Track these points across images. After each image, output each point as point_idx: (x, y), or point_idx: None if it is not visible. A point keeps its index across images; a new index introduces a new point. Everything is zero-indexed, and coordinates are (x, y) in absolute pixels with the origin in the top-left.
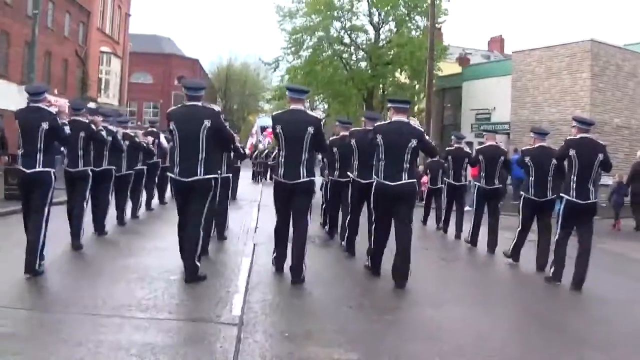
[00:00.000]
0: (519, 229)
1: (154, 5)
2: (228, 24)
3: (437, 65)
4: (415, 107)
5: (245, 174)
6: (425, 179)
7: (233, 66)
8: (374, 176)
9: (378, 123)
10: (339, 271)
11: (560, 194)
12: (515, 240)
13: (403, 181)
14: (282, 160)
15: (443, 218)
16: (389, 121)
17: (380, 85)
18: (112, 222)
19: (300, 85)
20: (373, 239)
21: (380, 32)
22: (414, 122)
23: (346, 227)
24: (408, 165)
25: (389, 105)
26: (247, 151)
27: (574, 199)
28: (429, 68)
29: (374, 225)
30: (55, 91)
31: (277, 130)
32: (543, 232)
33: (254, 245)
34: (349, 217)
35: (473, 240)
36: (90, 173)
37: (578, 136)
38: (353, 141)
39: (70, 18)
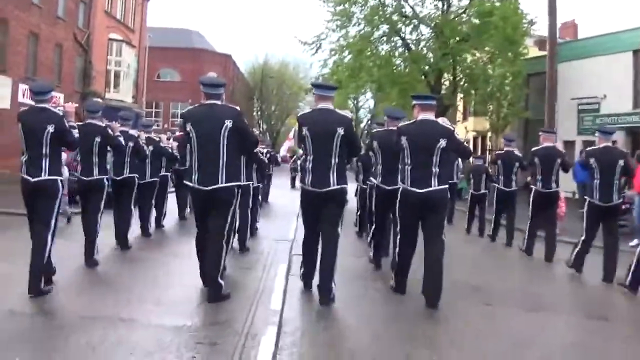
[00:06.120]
0: (582, 237)
1: None
2: (265, 20)
3: (524, 44)
4: (507, 97)
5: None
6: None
7: (269, 64)
8: (399, 182)
9: (402, 123)
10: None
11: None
12: (578, 248)
13: (432, 187)
14: (310, 165)
15: (492, 226)
16: (414, 120)
17: (451, 68)
18: (136, 232)
19: (328, 82)
20: (397, 252)
21: (451, 2)
22: (443, 121)
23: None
24: (437, 170)
25: (414, 102)
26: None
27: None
28: (549, 31)
29: (398, 237)
30: None
31: (304, 132)
32: (609, 239)
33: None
34: (373, 227)
35: (529, 249)
36: (107, 182)
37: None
38: (375, 143)
39: None
